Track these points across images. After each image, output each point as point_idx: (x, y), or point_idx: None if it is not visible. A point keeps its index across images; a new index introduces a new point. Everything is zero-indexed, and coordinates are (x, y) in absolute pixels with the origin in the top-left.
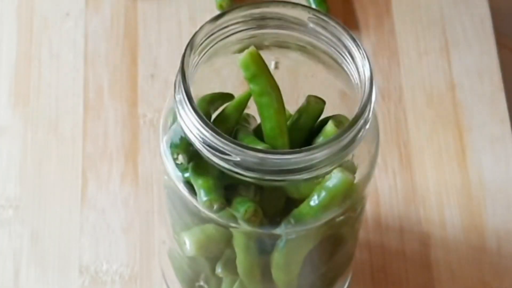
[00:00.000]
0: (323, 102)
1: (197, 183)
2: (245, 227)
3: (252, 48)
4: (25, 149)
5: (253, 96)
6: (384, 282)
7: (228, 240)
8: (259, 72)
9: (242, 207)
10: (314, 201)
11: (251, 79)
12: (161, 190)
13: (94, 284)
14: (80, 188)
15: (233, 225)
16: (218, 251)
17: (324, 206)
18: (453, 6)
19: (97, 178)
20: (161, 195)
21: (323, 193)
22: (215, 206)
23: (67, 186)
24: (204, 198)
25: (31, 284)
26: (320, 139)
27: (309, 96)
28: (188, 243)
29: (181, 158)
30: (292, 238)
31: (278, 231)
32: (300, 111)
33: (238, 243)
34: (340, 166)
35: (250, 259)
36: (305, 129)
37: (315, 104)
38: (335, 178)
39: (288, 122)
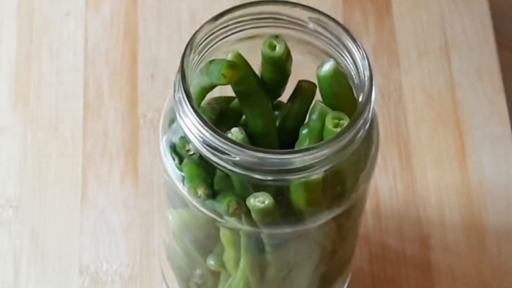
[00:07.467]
0: (314, 86)
1: (184, 172)
2: (231, 222)
3: (229, 61)
4: (25, 149)
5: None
6: (384, 282)
7: (215, 229)
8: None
9: (224, 201)
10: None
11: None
12: (161, 190)
13: (94, 284)
14: (80, 188)
15: (233, 224)
16: (204, 237)
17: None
18: (453, 6)
19: (97, 178)
20: (161, 195)
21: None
22: (199, 192)
23: (67, 186)
24: (189, 185)
25: (31, 284)
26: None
27: (300, 81)
28: (172, 218)
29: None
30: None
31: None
32: (294, 96)
33: (228, 239)
34: None
35: (241, 256)
36: (300, 115)
37: (307, 88)
38: None
39: (283, 111)
